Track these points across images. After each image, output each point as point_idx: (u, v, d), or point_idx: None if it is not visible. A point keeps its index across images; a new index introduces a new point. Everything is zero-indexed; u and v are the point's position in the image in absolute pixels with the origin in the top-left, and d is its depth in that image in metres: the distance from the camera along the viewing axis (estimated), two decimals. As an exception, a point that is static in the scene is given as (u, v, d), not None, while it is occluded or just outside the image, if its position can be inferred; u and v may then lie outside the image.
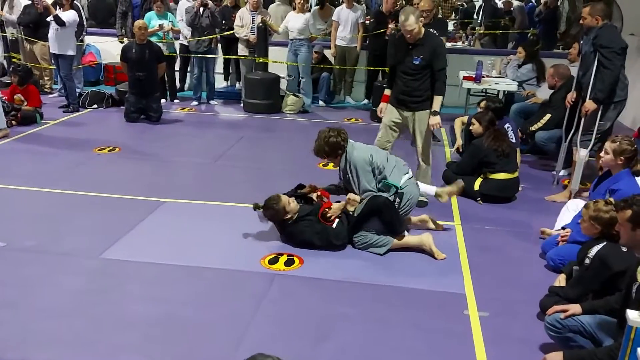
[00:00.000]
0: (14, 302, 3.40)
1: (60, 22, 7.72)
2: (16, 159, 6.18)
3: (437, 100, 4.92)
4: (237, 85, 9.76)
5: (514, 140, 5.65)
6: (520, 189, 5.41)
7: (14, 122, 7.23)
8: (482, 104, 6.05)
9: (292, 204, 4.23)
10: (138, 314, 3.34)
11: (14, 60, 9.30)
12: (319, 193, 4.48)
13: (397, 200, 4.32)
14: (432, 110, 4.94)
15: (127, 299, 3.49)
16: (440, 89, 4.93)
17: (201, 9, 8.40)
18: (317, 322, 3.32)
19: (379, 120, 8.19)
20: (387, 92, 5.19)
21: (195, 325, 3.25)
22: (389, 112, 5.14)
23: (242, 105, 8.84)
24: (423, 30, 4.82)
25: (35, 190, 5.20)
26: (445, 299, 3.63)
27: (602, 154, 4.19)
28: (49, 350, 2.95)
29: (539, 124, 6.21)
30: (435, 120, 4.94)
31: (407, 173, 4.49)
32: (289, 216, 4.21)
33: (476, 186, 5.25)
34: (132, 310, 3.36)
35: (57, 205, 4.94)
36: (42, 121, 7.55)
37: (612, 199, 3.52)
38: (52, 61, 8.58)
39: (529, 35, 10.31)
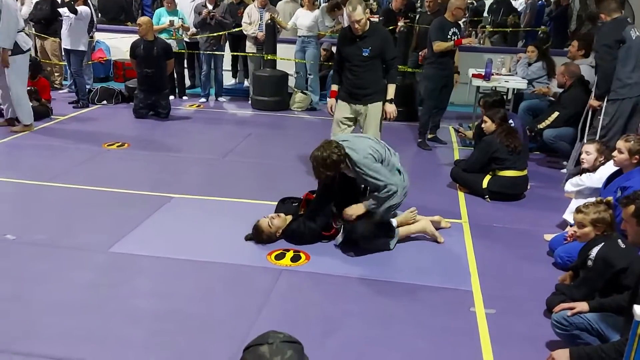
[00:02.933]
0: (23, 296, 3.43)
1: (73, 10, 7.74)
2: (26, 153, 6.23)
3: (392, 89, 5.00)
4: (245, 82, 9.78)
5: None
6: (529, 187, 5.39)
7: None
8: (481, 101, 6.04)
9: (275, 221, 4.18)
10: (145, 308, 3.36)
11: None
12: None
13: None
14: (387, 99, 4.99)
15: (135, 293, 3.51)
16: (393, 77, 5.01)
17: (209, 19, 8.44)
18: (323, 318, 3.33)
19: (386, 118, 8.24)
20: (335, 87, 5.19)
21: (202, 319, 3.27)
22: (340, 108, 5.12)
23: (250, 102, 8.85)
24: (368, 22, 4.83)
25: (45, 185, 5.24)
26: (451, 295, 3.62)
27: (615, 153, 4.17)
28: (57, 344, 2.97)
29: (547, 122, 6.18)
30: (392, 108, 5.01)
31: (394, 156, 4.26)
32: (279, 232, 4.21)
33: (484, 184, 5.23)
34: (139, 305, 3.38)
35: (67, 199, 4.97)
36: (52, 116, 7.60)
37: (601, 198, 3.52)
38: (63, 57, 8.64)
39: (539, 33, 10.25)
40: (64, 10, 7.92)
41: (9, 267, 3.76)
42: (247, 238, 4.24)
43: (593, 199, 3.89)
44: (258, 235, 4.18)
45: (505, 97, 7.05)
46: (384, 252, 4.14)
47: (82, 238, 4.19)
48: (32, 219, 4.55)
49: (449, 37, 6.45)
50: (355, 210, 4.07)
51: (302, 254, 4.05)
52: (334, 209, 4.23)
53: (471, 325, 3.31)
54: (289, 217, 4.27)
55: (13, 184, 5.25)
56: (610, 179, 4.25)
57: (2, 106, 7.11)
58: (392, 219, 4.25)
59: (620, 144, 4.14)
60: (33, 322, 3.17)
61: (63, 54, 8.57)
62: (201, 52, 8.78)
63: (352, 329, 3.22)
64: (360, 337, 3.15)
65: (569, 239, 4.03)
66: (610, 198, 3.57)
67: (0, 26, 6.18)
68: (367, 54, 4.87)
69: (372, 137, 4.36)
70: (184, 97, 9.17)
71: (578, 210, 3.42)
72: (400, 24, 8.11)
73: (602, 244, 3.19)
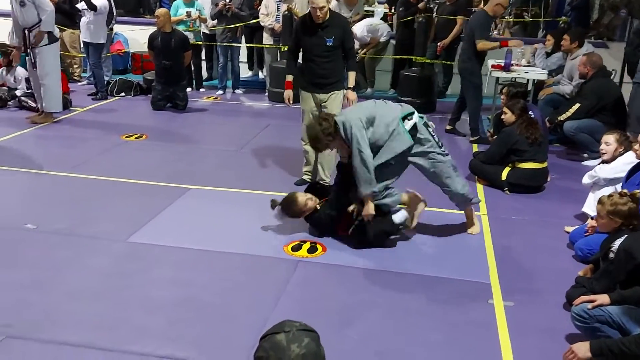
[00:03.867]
0: (44, 284, 3.47)
1: (91, 7, 7.81)
2: (46, 144, 6.30)
3: (352, 76, 5.04)
4: (260, 74, 9.78)
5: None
6: (548, 179, 5.32)
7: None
8: (505, 90, 5.97)
9: (309, 204, 4.15)
10: (163, 297, 3.38)
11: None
12: None
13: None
14: (349, 87, 5.02)
15: (152, 282, 3.54)
16: (353, 65, 5.07)
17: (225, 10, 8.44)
18: (340, 309, 3.32)
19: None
20: (290, 78, 5.16)
21: (219, 309, 3.28)
22: (306, 99, 5.10)
23: (267, 94, 8.85)
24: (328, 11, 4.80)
25: (64, 175, 5.30)
26: (469, 288, 3.60)
27: (637, 147, 4.10)
28: (74, 332, 3.01)
29: (568, 114, 6.08)
30: (354, 95, 5.03)
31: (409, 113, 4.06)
32: (307, 214, 4.19)
33: (503, 176, 5.18)
34: (156, 294, 3.41)
35: (86, 190, 5.02)
36: (71, 108, 7.67)
37: (625, 191, 3.46)
38: (82, 49, 8.71)
39: (559, 23, 10.09)
40: (82, 5, 7.98)
41: (30, 256, 3.81)
42: (274, 205, 4.19)
43: (611, 190, 3.84)
44: (288, 207, 4.14)
45: (526, 88, 6.95)
46: (402, 244, 4.13)
47: (101, 227, 4.23)
48: (52, 208, 4.60)
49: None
50: (367, 209, 3.97)
51: (318, 246, 4.04)
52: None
53: (489, 317, 3.28)
54: (320, 204, 4.24)
55: (33, 174, 5.31)
56: (632, 172, 4.18)
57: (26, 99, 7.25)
58: (397, 215, 4.13)
59: None
60: (53, 309, 3.21)
61: (82, 46, 8.64)
62: (218, 44, 8.79)
63: (370, 321, 3.21)
64: (378, 329, 3.14)
65: (589, 231, 3.97)
66: (637, 191, 3.51)
67: (47, 14, 6.55)
68: (330, 44, 4.84)
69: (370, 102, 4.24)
70: (201, 89, 9.19)
71: (599, 201, 3.43)
72: (421, 5, 8.04)
73: (626, 236, 3.14)
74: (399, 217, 4.12)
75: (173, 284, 3.53)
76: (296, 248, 4.01)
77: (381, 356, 2.91)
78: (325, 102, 5.05)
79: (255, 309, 3.29)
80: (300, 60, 5.21)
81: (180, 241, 4.03)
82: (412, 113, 4.05)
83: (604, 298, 2.87)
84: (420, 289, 3.56)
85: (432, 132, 4.12)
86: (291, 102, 5.19)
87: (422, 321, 3.23)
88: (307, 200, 4.16)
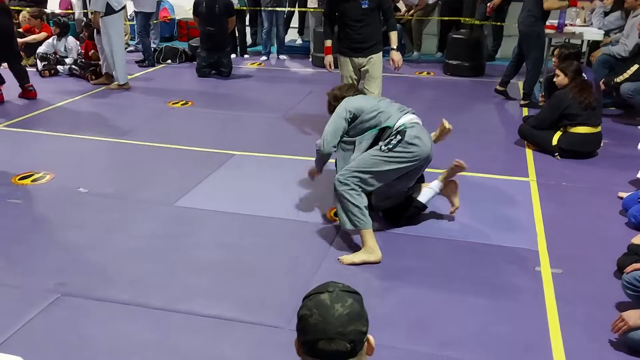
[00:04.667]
0: (96, 245, 3.60)
1: None
2: (96, 112, 6.45)
3: (394, 36, 4.90)
4: (298, 40, 9.71)
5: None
6: (602, 144, 5.13)
7: (93, 77, 7.52)
8: (556, 51, 5.73)
9: None
10: (209, 259, 3.45)
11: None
12: None
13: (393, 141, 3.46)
14: (392, 47, 4.89)
15: (199, 245, 3.62)
16: (394, 24, 4.93)
17: None
18: (381, 274, 3.32)
19: (453, 73, 8.00)
20: (328, 43, 5.06)
21: (262, 271, 3.34)
22: (344, 64, 5.02)
23: (310, 59, 8.78)
24: None
25: (114, 142, 5.43)
26: (516, 255, 3.53)
27: None
28: (125, 290, 3.11)
29: (625, 75, 5.80)
30: (398, 56, 4.93)
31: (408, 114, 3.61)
32: None
33: (554, 140, 5.01)
34: (203, 256, 3.49)
35: (134, 155, 5.14)
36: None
37: None
38: (129, 16, 8.81)
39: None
40: None
41: (83, 218, 3.95)
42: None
43: None
44: None
45: (580, 50, 6.66)
46: (445, 211, 4.07)
47: (149, 192, 4.33)
48: (102, 173, 4.74)
49: None
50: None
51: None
52: None
53: (536, 284, 3.22)
54: None
55: (83, 140, 5.46)
56: None
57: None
58: (423, 195, 3.85)
59: None
60: (104, 269, 3.33)
61: (130, 13, 8.74)
62: (262, 8, 8.74)
63: (412, 286, 3.20)
64: (421, 294, 3.13)
65: None
66: None
67: None
68: (366, 6, 4.75)
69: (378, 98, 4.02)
70: (246, 56, 9.20)
71: None
72: None
73: None
74: (425, 196, 3.90)
75: (218, 246, 3.60)
76: (339, 213, 4.01)
77: (422, 321, 2.90)
78: (364, 66, 4.98)
79: (297, 272, 3.32)
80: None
81: (225, 206, 4.09)
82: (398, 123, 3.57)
83: None
84: (465, 256, 3.52)
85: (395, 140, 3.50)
86: (332, 67, 5.14)
87: (466, 287, 3.19)
88: None
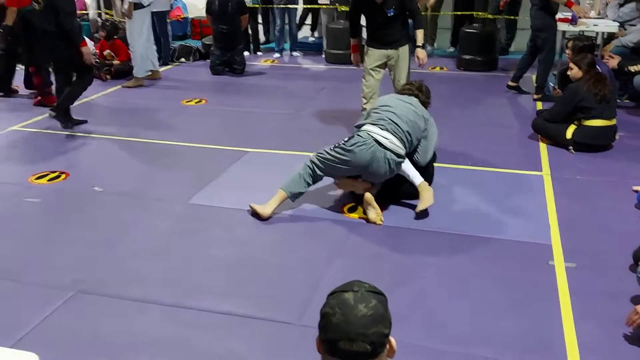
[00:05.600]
0: (110, 243, 3.64)
1: None
2: (111, 110, 6.52)
3: (420, 34, 4.96)
4: (310, 36, 9.70)
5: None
6: (617, 137, 5.07)
7: (108, 76, 7.59)
8: (570, 44, 5.67)
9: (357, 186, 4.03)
10: (222, 256, 3.48)
11: (107, 16, 9.71)
12: None
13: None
14: (418, 45, 4.93)
15: (212, 242, 3.65)
16: (420, 22, 5.00)
17: None
18: (393, 269, 3.32)
19: (466, 68, 7.94)
20: (355, 42, 5.12)
21: (275, 268, 3.35)
22: (372, 55, 5.04)
23: (324, 56, 8.78)
24: None
25: (128, 140, 5.48)
26: (529, 249, 3.51)
27: None
28: (139, 288, 3.15)
29: (638, 67, 5.71)
30: (423, 53, 4.96)
31: (376, 126, 3.85)
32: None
33: (568, 134, 4.96)
34: (216, 253, 3.51)
35: (148, 153, 5.19)
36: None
37: None
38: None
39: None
40: None
41: (98, 216, 4.00)
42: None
43: None
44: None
45: (594, 42, 6.58)
46: (458, 206, 4.06)
47: (163, 190, 4.37)
48: (117, 172, 4.79)
49: None
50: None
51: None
52: None
53: (549, 279, 3.20)
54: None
55: (98, 139, 5.52)
56: None
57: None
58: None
59: None
60: (119, 266, 3.37)
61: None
62: (274, 6, 8.75)
63: (426, 281, 3.20)
64: (434, 289, 3.13)
65: None
66: None
67: None
68: (392, 14, 4.82)
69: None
70: (259, 53, 9.22)
71: None
72: None
73: None
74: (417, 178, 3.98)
75: (232, 243, 3.62)
76: (352, 209, 4.01)
77: (434, 316, 2.90)
78: (394, 57, 5.03)
79: (310, 268, 3.34)
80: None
81: (239, 203, 4.10)
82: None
83: None
84: (477, 250, 3.51)
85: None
86: (360, 65, 5.20)
87: (479, 282, 3.18)
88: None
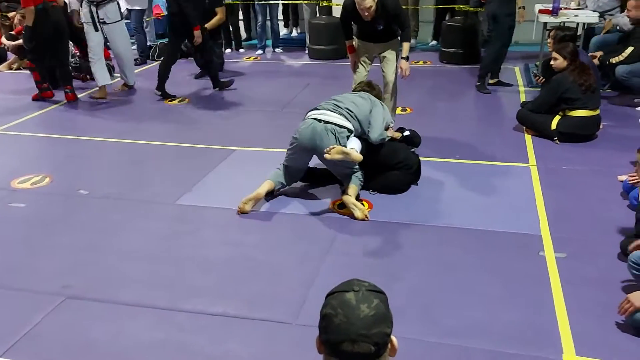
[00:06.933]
0: (98, 246, 3.59)
1: None
2: (91, 111, 6.42)
3: (406, 46, 4.98)
4: (294, 32, 9.65)
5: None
6: (601, 126, 5.12)
7: (88, 76, 7.48)
8: (552, 33, 5.71)
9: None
10: (213, 257, 3.45)
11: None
12: None
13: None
14: (403, 57, 4.97)
15: (202, 243, 3.61)
16: (407, 36, 4.99)
17: None
18: (386, 264, 3.33)
19: (449, 62, 7.96)
20: (350, 43, 5.14)
21: (268, 267, 3.33)
22: (363, 47, 5.10)
23: (307, 51, 8.75)
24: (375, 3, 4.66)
25: (111, 141, 5.41)
26: (519, 240, 3.53)
27: None
28: (129, 291, 3.11)
29: (620, 57, 5.77)
30: (406, 65, 4.98)
31: (316, 110, 4.14)
32: None
33: (553, 125, 5.00)
34: (207, 254, 3.48)
35: (133, 154, 5.12)
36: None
37: None
38: (124, 14, 8.74)
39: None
40: None
41: (85, 220, 3.94)
42: None
43: None
44: None
45: (576, 32, 6.63)
46: (449, 199, 4.08)
47: (150, 191, 4.32)
48: (102, 174, 4.73)
49: None
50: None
51: (364, 203, 4.02)
52: None
53: (541, 269, 3.22)
54: None
55: (81, 141, 5.44)
56: None
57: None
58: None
59: None
60: (108, 270, 3.32)
61: (123, 11, 8.67)
62: (255, 2, 8.69)
63: (419, 275, 3.20)
64: (428, 283, 3.13)
65: (629, 180, 3.84)
66: None
67: None
68: (382, 28, 4.87)
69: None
70: (241, 50, 9.15)
71: (638, 150, 3.35)
72: None
73: None
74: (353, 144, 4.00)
75: (223, 244, 3.60)
76: (342, 205, 4.00)
77: (429, 309, 2.91)
78: (382, 52, 5.06)
79: (303, 266, 3.32)
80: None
81: (228, 202, 4.07)
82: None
83: None
84: (469, 243, 3.52)
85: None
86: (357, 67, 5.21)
87: (471, 275, 3.20)
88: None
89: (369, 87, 4.56)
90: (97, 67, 6.68)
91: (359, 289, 1.39)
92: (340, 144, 3.85)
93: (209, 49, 6.83)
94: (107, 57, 7.61)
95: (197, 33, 6.38)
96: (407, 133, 4.71)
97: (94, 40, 6.59)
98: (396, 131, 4.66)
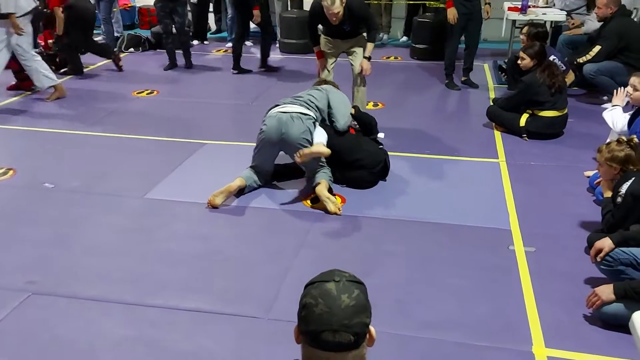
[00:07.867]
0: (65, 241, 3.50)
1: None
2: (58, 103, 6.25)
3: (370, 46, 5.03)
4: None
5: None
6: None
7: (53, 67, 7.26)
8: (525, 29, 5.79)
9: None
10: (183, 251, 3.39)
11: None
12: None
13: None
14: (365, 56, 5.02)
15: (172, 237, 3.55)
16: (373, 37, 5.06)
17: None
18: (360, 258, 3.33)
19: (420, 57, 8.01)
20: (318, 48, 5.18)
21: (240, 261, 3.30)
22: (326, 43, 5.15)
23: (277, 45, 8.69)
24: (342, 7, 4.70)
25: (77, 134, 5.28)
26: (490, 234, 3.57)
27: (630, 90, 4.01)
28: (97, 286, 3.04)
29: (588, 56, 5.89)
30: (368, 65, 5.03)
31: (277, 106, 4.14)
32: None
33: (522, 122, 5.07)
34: (177, 248, 3.42)
35: (100, 147, 5.01)
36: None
37: (623, 138, 3.39)
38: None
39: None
40: None
41: (50, 214, 3.84)
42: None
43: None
44: None
45: (546, 30, 6.73)
46: (422, 194, 4.10)
47: (117, 184, 4.23)
48: (68, 167, 4.60)
49: None
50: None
51: (337, 197, 4.01)
52: None
53: (511, 263, 3.27)
54: None
55: (46, 133, 5.30)
56: (633, 118, 4.08)
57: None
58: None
59: (634, 79, 3.97)
60: (75, 265, 3.24)
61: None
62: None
63: (392, 269, 3.21)
64: (400, 277, 3.14)
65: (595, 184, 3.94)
66: (634, 137, 3.45)
67: None
68: (349, 29, 4.93)
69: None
70: (206, 42, 9.05)
71: (598, 150, 3.40)
72: None
73: (633, 179, 3.10)
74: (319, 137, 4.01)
75: (192, 238, 3.54)
76: (315, 200, 3.98)
77: (402, 303, 2.92)
78: (351, 45, 5.10)
79: (275, 260, 3.30)
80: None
81: (197, 196, 4.01)
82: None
83: (607, 243, 2.85)
84: (440, 237, 3.55)
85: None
86: (324, 70, 5.20)
87: (442, 268, 3.22)
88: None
89: (325, 82, 4.66)
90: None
91: (339, 279, 1.39)
92: (307, 128, 3.92)
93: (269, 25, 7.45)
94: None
95: (256, 12, 6.94)
96: (381, 135, 4.72)
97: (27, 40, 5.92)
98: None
